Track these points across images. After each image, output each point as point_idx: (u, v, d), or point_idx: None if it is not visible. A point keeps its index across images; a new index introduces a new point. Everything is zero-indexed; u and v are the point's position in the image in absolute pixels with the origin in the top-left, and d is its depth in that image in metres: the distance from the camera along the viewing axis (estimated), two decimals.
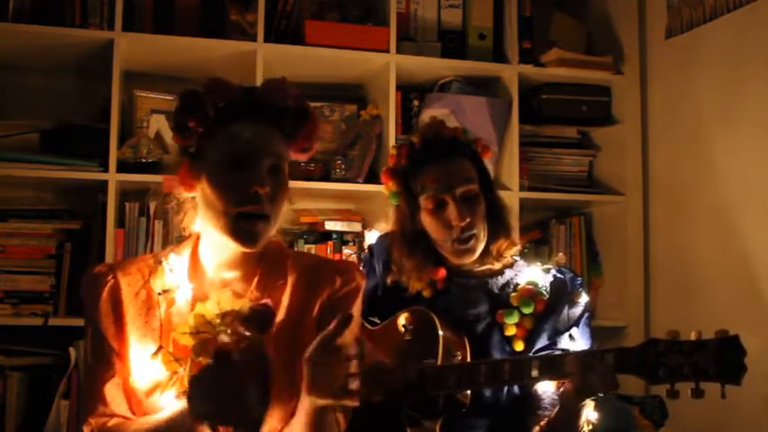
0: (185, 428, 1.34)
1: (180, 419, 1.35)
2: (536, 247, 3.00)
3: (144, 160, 2.57)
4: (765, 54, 2.47)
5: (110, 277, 1.50)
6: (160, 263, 1.50)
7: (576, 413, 1.69)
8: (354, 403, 1.33)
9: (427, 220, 1.88)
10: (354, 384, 1.31)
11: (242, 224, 1.41)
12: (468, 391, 1.77)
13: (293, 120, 1.49)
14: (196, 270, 1.51)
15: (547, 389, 1.77)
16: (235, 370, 1.31)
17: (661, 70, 2.96)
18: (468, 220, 1.83)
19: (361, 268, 1.84)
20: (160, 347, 1.43)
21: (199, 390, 1.31)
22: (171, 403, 1.41)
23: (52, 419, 2.40)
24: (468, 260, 1.89)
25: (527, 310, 1.84)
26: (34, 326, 2.49)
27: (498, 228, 1.91)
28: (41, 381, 2.47)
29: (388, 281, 1.96)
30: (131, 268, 1.52)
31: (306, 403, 1.36)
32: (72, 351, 2.44)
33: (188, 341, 1.39)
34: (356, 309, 1.54)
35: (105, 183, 2.51)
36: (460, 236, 1.85)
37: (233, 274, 1.50)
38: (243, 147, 1.42)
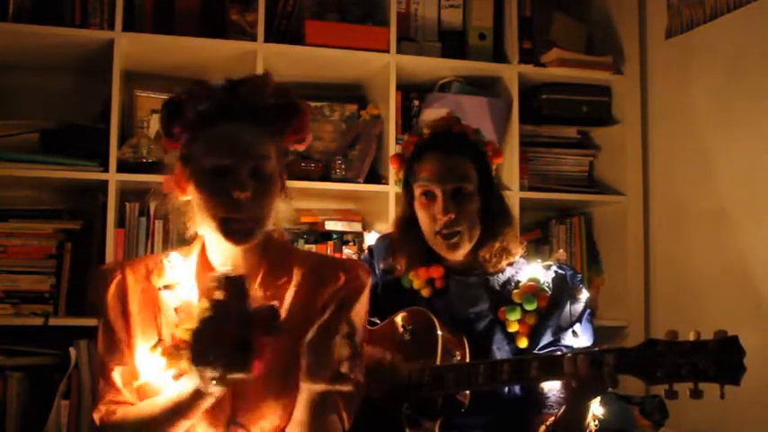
0: (191, 402, 1.36)
1: (186, 393, 1.37)
2: (536, 247, 3.00)
3: (144, 160, 2.57)
4: (765, 54, 2.47)
5: (117, 273, 1.55)
6: (163, 260, 1.54)
7: (582, 413, 1.68)
8: (346, 388, 1.32)
9: (419, 210, 1.91)
10: (345, 367, 1.30)
11: (230, 225, 1.44)
12: (468, 391, 1.77)
13: (278, 116, 1.48)
14: (205, 268, 1.53)
15: (552, 387, 1.77)
16: (215, 314, 1.33)
17: (661, 70, 2.96)
18: (452, 215, 1.83)
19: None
20: (159, 340, 1.45)
21: (193, 341, 1.33)
22: (169, 385, 1.42)
23: (52, 419, 2.40)
24: (453, 256, 1.89)
25: (530, 307, 1.84)
26: (34, 326, 2.49)
27: (492, 233, 1.89)
28: (41, 381, 2.46)
29: (382, 266, 2.00)
30: (140, 265, 1.56)
31: (304, 391, 1.37)
32: (72, 351, 2.43)
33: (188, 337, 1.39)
34: (361, 306, 1.54)
35: (105, 183, 2.51)
36: (443, 230, 1.85)
37: None
38: (222, 152, 1.43)
